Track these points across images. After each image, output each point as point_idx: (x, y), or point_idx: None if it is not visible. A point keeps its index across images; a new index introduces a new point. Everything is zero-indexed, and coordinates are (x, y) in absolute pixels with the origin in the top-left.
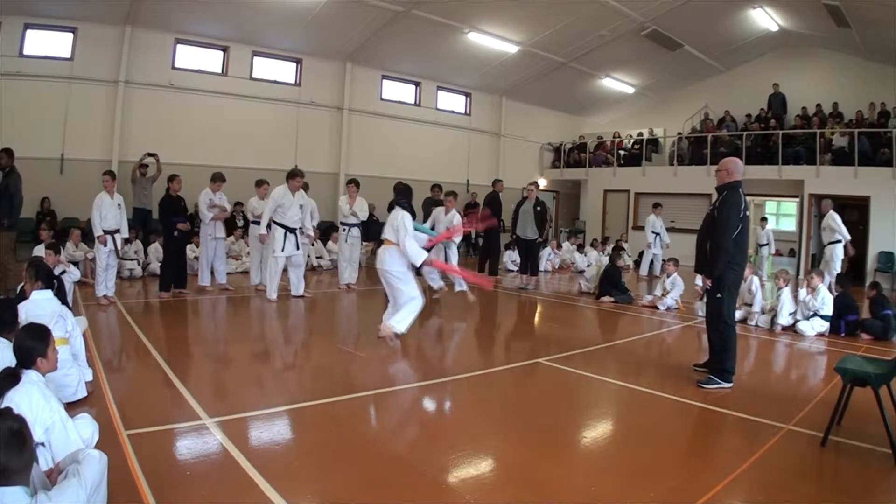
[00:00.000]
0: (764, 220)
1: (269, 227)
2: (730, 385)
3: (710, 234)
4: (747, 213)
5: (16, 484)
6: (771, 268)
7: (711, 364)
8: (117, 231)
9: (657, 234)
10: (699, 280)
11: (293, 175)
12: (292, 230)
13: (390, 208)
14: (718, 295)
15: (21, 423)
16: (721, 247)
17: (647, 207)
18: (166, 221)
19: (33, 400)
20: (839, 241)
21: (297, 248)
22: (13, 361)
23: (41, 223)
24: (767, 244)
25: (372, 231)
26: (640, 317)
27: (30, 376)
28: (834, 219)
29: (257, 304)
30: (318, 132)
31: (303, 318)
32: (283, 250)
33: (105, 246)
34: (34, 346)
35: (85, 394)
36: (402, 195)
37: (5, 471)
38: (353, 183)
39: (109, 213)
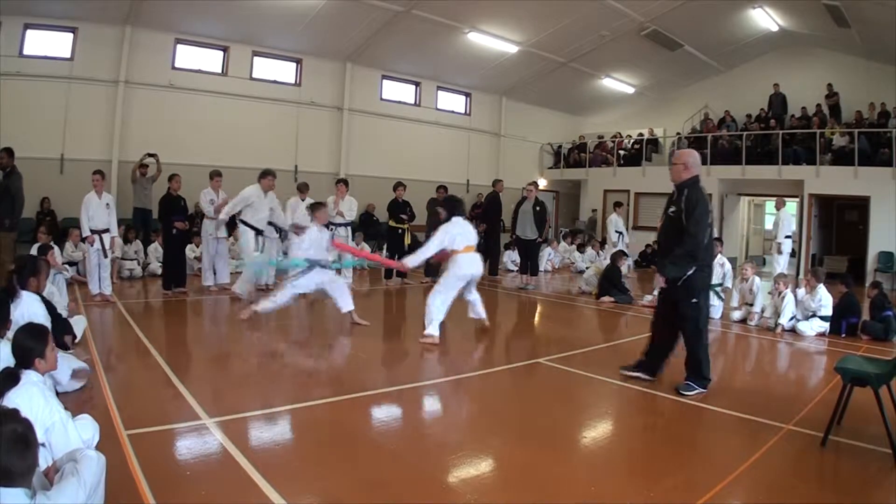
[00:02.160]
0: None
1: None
2: (705, 391)
3: (675, 236)
4: (710, 209)
5: (18, 486)
6: None
7: (688, 370)
8: (106, 231)
9: (620, 233)
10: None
11: (265, 174)
12: (260, 231)
13: (391, 209)
14: (694, 300)
15: (27, 426)
16: (695, 248)
17: (648, 207)
18: (166, 220)
19: (33, 400)
20: (789, 238)
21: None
22: (10, 358)
23: (41, 223)
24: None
25: (372, 231)
26: (641, 317)
27: (30, 376)
28: (787, 219)
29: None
30: (318, 132)
31: (303, 318)
32: (257, 252)
33: (93, 246)
34: (33, 346)
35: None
36: (459, 207)
37: (8, 473)
38: (343, 182)
39: (97, 213)
